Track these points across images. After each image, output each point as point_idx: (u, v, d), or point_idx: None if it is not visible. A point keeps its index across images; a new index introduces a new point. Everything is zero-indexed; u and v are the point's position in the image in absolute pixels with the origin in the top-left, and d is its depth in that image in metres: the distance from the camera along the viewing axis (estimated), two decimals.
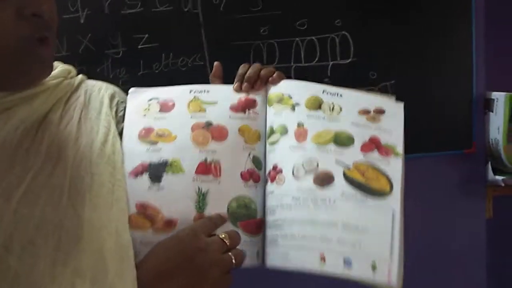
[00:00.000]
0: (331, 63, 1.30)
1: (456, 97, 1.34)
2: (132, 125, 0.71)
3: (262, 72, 0.76)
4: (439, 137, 1.36)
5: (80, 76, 0.70)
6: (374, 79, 1.30)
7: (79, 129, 0.61)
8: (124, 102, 0.75)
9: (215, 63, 0.82)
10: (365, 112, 0.73)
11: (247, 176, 0.70)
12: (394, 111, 0.73)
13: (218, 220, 0.64)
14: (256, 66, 0.76)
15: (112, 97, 0.72)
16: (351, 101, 0.73)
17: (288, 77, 1.25)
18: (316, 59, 1.30)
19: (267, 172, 0.72)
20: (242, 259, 0.61)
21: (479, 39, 1.32)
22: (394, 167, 0.68)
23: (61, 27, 1.29)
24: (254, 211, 0.69)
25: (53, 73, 0.62)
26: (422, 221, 1.45)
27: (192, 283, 0.54)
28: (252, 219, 0.69)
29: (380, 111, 0.73)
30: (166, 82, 1.35)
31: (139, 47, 1.30)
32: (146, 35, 1.30)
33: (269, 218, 0.70)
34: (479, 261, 1.47)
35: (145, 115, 0.72)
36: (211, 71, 1.35)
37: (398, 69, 1.31)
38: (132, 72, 1.31)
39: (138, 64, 1.31)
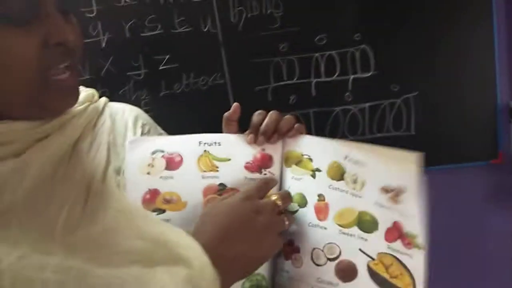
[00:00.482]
0: (351, 77, 1.29)
1: (480, 107, 1.32)
2: (135, 186, 0.62)
3: (281, 124, 0.66)
4: (464, 148, 1.34)
5: (104, 99, 0.69)
6: (396, 91, 1.29)
7: (108, 157, 0.61)
8: (148, 124, 0.74)
9: (235, 104, 0.69)
10: (387, 190, 0.63)
11: None
12: (416, 189, 0.63)
13: (270, 182, 0.62)
14: (273, 116, 0.66)
15: (135, 120, 0.71)
16: (374, 174, 0.64)
17: (309, 93, 1.26)
18: (337, 73, 1.30)
19: None
20: (293, 220, 0.61)
21: (501, 48, 1.31)
22: (416, 262, 0.61)
23: (83, 51, 1.32)
24: None
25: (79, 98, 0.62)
26: (449, 235, 1.41)
27: (251, 246, 0.53)
28: None
29: (401, 190, 0.63)
30: (187, 102, 1.38)
31: (160, 68, 1.32)
32: (167, 56, 1.31)
33: None
34: (509, 273, 1.43)
35: (149, 172, 0.64)
36: (231, 89, 1.39)
37: (421, 80, 1.30)
38: (154, 94, 1.33)
39: (159, 85, 1.32)
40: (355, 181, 0.64)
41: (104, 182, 0.56)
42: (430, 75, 1.30)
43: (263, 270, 0.63)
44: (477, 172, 1.39)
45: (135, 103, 1.33)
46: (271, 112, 0.67)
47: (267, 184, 0.62)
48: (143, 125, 0.72)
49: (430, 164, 1.36)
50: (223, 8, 1.30)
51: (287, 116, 0.67)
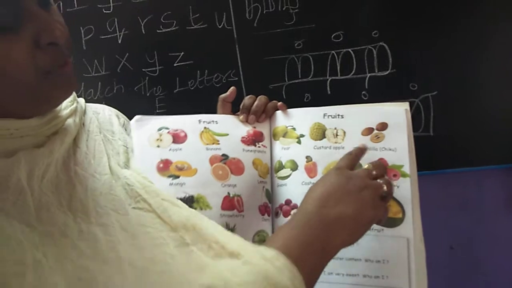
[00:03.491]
0: (368, 75, 1.26)
1: (502, 108, 1.27)
2: (147, 156, 0.69)
3: (268, 106, 0.77)
4: (484, 150, 1.29)
5: (82, 99, 0.71)
6: (414, 90, 1.26)
7: (107, 152, 0.63)
8: (127, 122, 0.77)
9: (232, 88, 0.80)
10: (369, 131, 0.71)
11: (263, 210, 0.70)
12: (397, 120, 0.71)
13: (358, 152, 0.66)
14: (262, 99, 0.77)
15: (117, 117, 0.74)
16: (353, 121, 0.72)
17: (324, 91, 1.24)
18: (353, 71, 1.27)
19: (277, 205, 0.72)
20: (392, 187, 0.61)
21: None
22: (404, 190, 0.67)
23: (100, 47, 1.35)
24: None
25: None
26: (469, 239, 1.38)
27: (350, 207, 0.57)
28: None
29: (383, 126, 0.71)
30: (201, 99, 1.38)
31: (175, 65, 1.32)
32: (182, 53, 1.31)
33: None
34: None
35: (158, 146, 0.71)
36: (245, 86, 1.39)
37: (440, 79, 1.26)
38: (168, 90, 1.33)
39: (174, 82, 1.33)
40: (336, 135, 0.72)
41: (113, 175, 0.58)
42: (449, 74, 1.26)
43: (266, 228, 0.70)
44: (498, 175, 1.35)
45: (150, 99, 1.36)
46: (260, 96, 0.77)
47: (356, 155, 0.65)
48: (125, 123, 0.75)
49: (448, 166, 1.33)
50: (238, 5, 1.29)
51: (274, 101, 0.78)
